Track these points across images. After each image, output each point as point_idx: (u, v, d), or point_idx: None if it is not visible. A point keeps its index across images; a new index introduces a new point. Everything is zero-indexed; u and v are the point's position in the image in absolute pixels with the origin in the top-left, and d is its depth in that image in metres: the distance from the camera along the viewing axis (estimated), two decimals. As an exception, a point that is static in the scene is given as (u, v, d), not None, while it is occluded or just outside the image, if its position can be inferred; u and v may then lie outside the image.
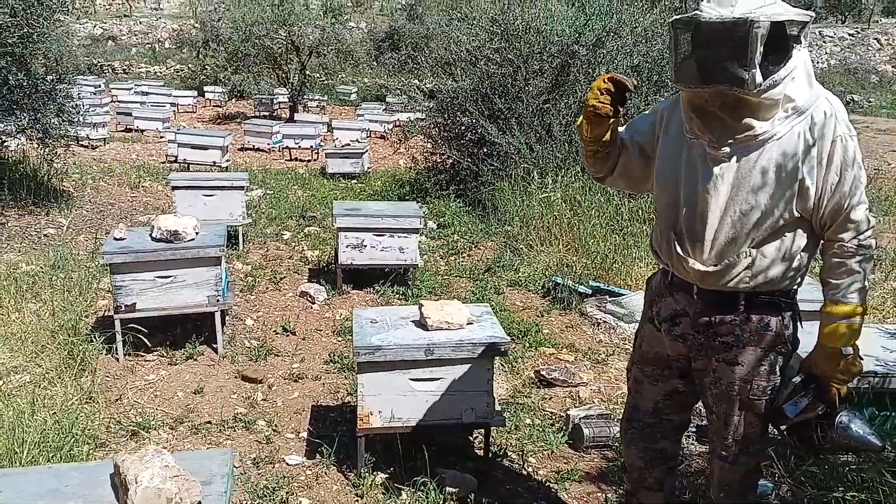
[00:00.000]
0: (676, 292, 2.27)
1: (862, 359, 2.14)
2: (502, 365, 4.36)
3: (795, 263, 2.12)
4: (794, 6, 2.05)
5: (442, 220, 7.92)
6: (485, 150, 8.39)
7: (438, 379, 3.21)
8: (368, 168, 11.47)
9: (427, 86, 10.49)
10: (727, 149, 2.04)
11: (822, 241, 2.14)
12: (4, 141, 8.43)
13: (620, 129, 2.35)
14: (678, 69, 2.06)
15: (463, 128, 8.97)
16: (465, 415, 3.25)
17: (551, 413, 3.89)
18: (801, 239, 2.10)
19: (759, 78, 1.92)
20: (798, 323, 2.22)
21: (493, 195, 7.80)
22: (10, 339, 4.22)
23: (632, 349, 2.58)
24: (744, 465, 2.30)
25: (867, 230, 2.05)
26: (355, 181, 10.74)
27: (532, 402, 3.99)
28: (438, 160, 9.72)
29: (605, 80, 2.14)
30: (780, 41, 1.96)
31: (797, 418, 2.16)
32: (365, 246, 5.70)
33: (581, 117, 2.25)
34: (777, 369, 2.20)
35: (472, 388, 3.24)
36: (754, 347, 2.15)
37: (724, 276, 2.11)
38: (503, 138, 7.92)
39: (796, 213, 2.05)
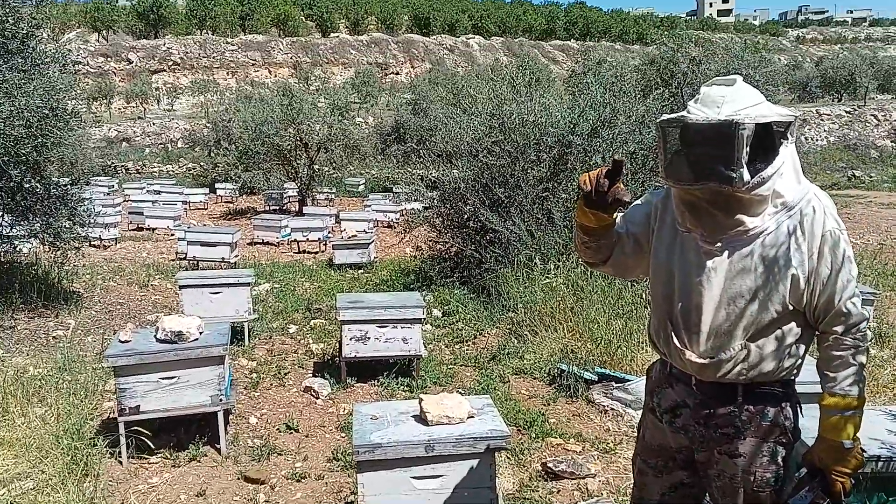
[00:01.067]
0: (676, 383, 2.27)
1: (864, 451, 2.14)
2: (508, 457, 4.30)
3: (791, 355, 2.13)
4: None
5: (447, 307, 7.95)
6: (487, 237, 8.52)
7: (440, 476, 3.17)
8: (375, 258, 11.61)
9: (431, 176, 10.72)
10: (719, 244, 2.09)
11: (816, 334, 2.15)
12: (16, 245, 8.62)
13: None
14: (668, 166, 2.11)
15: (465, 216, 9.13)
16: (469, 512, 3.19)
17: (559, 507, 3.81)
18: (796, 331, 2.12)
19: (746, 176, 1.97)
20: (798, 412, 2.21)
21: (496, 282, 7.86)
22: (14, 444, 4.21)
23: (636, 439, 2.55)
24: None
25: (861, 322, 2.07)
26: (362, 271, 10.86)
27: (539, 497, 3.91)
28: (442, 248, 9.85)
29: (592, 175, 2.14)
30: (767, 140, 2.01)
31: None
32: (369, 338, 5.72)
33: (578, 212, 2.25)
34: (780, 460, 2.17)
35: (474, 484, 3.19)
36: (754, 438, 2.14)
37: (720, 368, 2.12)
38: (504, 226, 8.05)
39: (790, 307, 2.07)
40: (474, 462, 3.18)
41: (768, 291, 2.05)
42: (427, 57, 52.59)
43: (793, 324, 2.10)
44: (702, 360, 2.14)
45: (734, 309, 2.08)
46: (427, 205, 10.16)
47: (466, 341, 6.90)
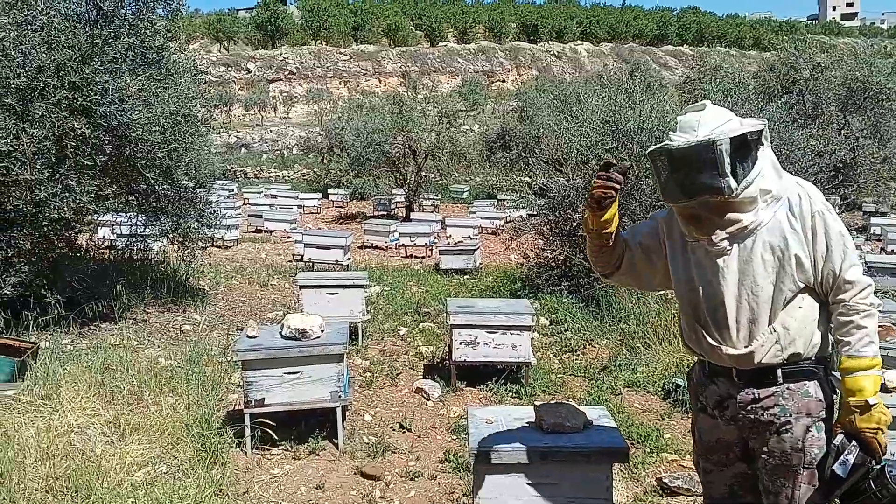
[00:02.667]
0: (717, 378, 2.43)
1: (889, 406, 2.28)
2: (622, 471, 4.23)
3: (818, 331, 2.33)
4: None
5: (554, 316, 7.91)
6: (598, 246, 8.40)
7: (555, 484, 3.16)
8: (480, 264, 11.69)
9: (538, 183, 10.71)
10: (725, 242, 2.32)
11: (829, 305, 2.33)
12: (149, 244, 9.22)
13: (623, 232, 2.59)
14: (664, 190, 2.35)
15: (574, 224, 9.04)
16: (584, 522, 3.17)
17: (674, 523, 3.72)
18: (815, 307, 2.32)
19: (733, 184, 2.22)
20: (834, 389, 2.36)
21: (607, 292, 7.74)
22: (149, 430, 4.51)
23: (693, 443, 2.70)
24: None
25: (865, 288, 2.26)
26: (467, 277, 10.95)
27: (654, 511, 3.84)
28: (550, 256, 9.79)
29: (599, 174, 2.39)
30: (744, 149, 2.24)
31: (851, 478, 2.20)
32: (478, 343, 5.77)
33: (586, 213, 2.48)
34: (823, 434, 2.32)
35: (590, 495, 3.16)
36: (799, 415, 2.30)
37: (756, 355, 2.31)
38: (616, 235, 7.91)
39: (800, 285, 2.29)
40: (590, 473, 3.15)
41: (778, 275, 2.28)
42: (534, 64, 52.46)
43: (809, 300, 2.31)
44: (738, 352, 2.33)
45: (752, 298, 2.30)
46: (534, 212, 10.14)
47: (575, 351, 6.84)
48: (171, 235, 8.91)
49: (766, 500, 2.41)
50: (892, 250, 11.94)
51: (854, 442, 2.22)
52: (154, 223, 8.77)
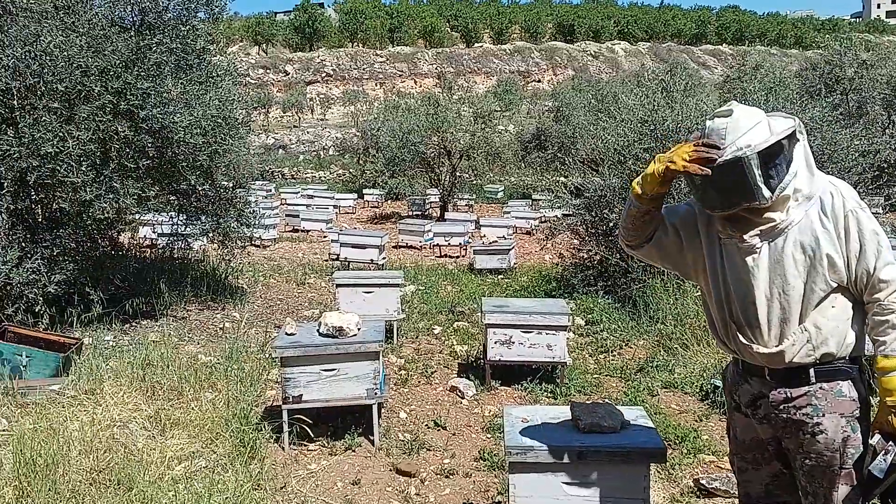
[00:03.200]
0: (750, 378, 2.42)
1: None
2: (658, 471, 4.19)
3: (851, 330, 2.29)
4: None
5: (590, 316, 7.86)
6: (634, 246, 8.32)
7: (591, 485, 3.15)
8: (514, 264, 11.67)
9: (573, 183, 10.65)
10: (756, 240, 2.30)
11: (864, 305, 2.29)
12: (189, 242, 9.39)
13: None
14: (701, 199, 2.35)
15: (611, 224, 8.97)
16: (620, 522, 3.14)
17: (712, 526, 3.67)
18: (848, 306, 2.29)
19: (766, 193, 2.21)
20: (871, 388, 2.34)
21: (644, 292, 7.67)
22: (189, 425, 4.59)
23: (728, 442, 2.70)
24: None
25: None
26: (502, 276, 10.94)
27: (691, 513, 3.79)
28: (585, 256, 9.73)
29: (696, 146, 2.26)
30: (778, 154, 2.21)
31: (888, 478, 2.18)
32: (513, 342, 5.76)
33: (643, 177, 2.38)
34: (860, 434, 2.30)
35: (627, 495, 3.14)
36: (832, 414, 2.27)
37: (788, 354, 2.29)
38: (653, 235, 7.83)
39: (832, 284, 2.25)
40: (627, 473, 3.13)
41: (809, 274, 2.25)
42: (570, 64, 52.15)
43: (842, 300, 2.28)
44: (769, 350, 2.32)
45: (783, 296, 2.28)
46: (570, 212, 10.08)
47: (611, 351, 6.79)
48: (210, 235, 9.06)
49: (805, 500, 2.40)
50: (939, 252, 11.59)
51: (892, 442, 2.19)
52: (194, 223, 8.92)
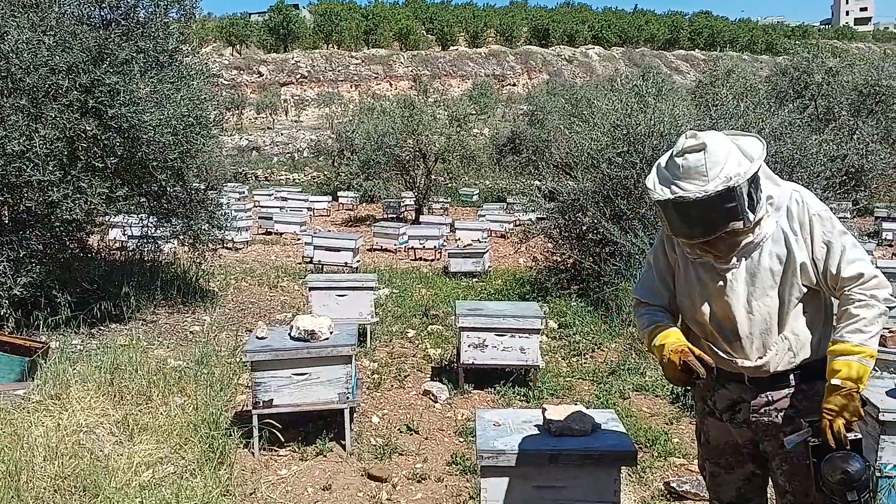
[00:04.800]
0: (728, 383, 2.42)
1: (865, 402, 2.23)
2: (629, 475, 4.21)
3: (825, 331, 2.34)
4: None
5: (563, 319, 7.88)
6: (607, 249, 8.38)
7: (563, 487, 3.14)
8: (489, 267, 11.68)
9: (548, 187, 10.69)
10: (734, 259, 2.30)
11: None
12: (159, 245, 9.26)
13: (659, 297, 2.53)
14: (677, 231, 2.28)
15: (584, 228, 9.03)
16: (591, 526, 3.15)
17: (683, 528, 3.69)
18: (821, 308, 2.34)
19: (751, 217, 2.21)
20: None
21: (616, 295, 7.72)
22: (157, 431, 4.52)
23: (698, 448, 2.70)
24: None
25: (870, 280, 2.21)
26: (476, 280, 10.95)
27: (661, 516, 3.81)
28: (559, 260, 9.78)
29: (679, 362, 2.32)
30: (754, 180, 2.21)
31: (794, 448, 2.25)
32: (486, 345, 5.76)
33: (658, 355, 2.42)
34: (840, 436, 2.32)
35: (598, 498, 3.14)
36: (811, 415, 2.27)
37: (770, 365, 2.32)
38: (626, 238, 7.90)
39: (804, 289, 2.28)
40: (598, 476, 3.14)
41: (785, 283, 2.28)
42: (545, 68, 52.44)
43: (817, 302, 2.32)
44: (752, 364, 2.34)
45: (762, 308, 2.30)
46: (544, 215, 10.12)
47: (583, 354, 6.82)
48: (181, 237, 8.96)
49: (783, 499, 2.41)
50: (905, 256, 11.83)
51: (808, 425, 2.24)
52: (165, 225, 8.81)
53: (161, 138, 7.31)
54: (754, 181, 2.20)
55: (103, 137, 6.88)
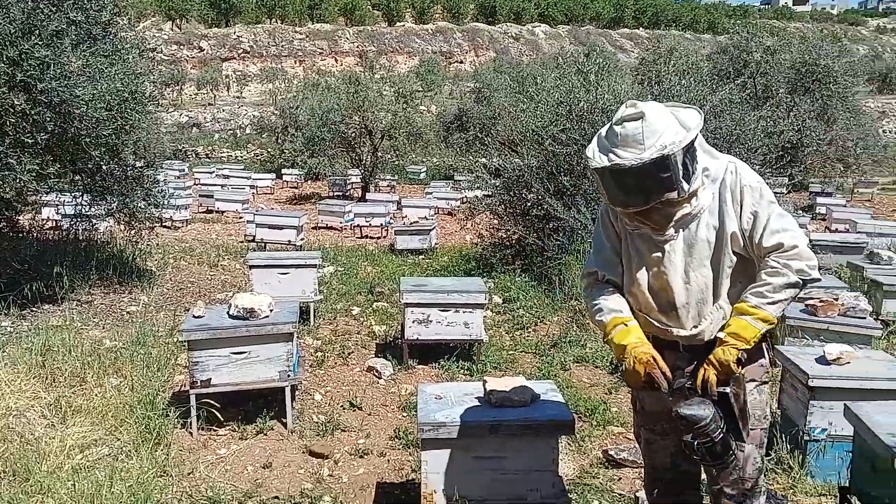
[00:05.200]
0: (663, 351, 2.43)
1: (741, 361, 2.29)
2: (569, 444, 4.28)
3: None
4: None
5: (507, 294, 7.94)
6: (550, 225, 8.45)
7: (503, 457, 3.18)
8: (436, 244, 11.67)
9: (493, 164, 10.71)
10: (671, 230, 2.35)
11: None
12: (94, 224, 8.96)
13: (606, 268, 2.55)
14: (613, 198, 2.31)
15: (528, 204, 9.09)
16: (531, 495, 3.20)
17: (620, 495, 3.78)
18: (752, 278, 2.36)
19: (686, 186, 2.24)
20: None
21: (559, 270, 7.81)
22: (91, 413, 4.40)
23: (634, 415, 2.75)
24: (753, 500, 2.46)
25: (788, 251, 2.28)
26: (423, 257, 10.93)
27: (600, 484, 3.89)
28: (504, 236, 9.83)
29: (644, 374, 2.36)
30: (693, 148, 2.25)
31: (675, 391, 2.35)
32: (431, 321, 5.76)
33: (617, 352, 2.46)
34: (766, 397, 2.48)
35: (537, 467, 3.19)
36: (745, 380, 2.36)
37: (706, 333, 2.39)
38: (569, 214, 7.97)
39: (734, 258, 2.35)
40: (538, 445, 3.19)
41: (719, 253, 2.34)
42: (492, 45, 52.35)
43: (751, 272, 2.36)
44: (687, 332, 2.40)
45: (699, 279, 2.36)
46: (489, 192, 10.15)
47: (527, 328, 6.89)
48: (117, 215, 8.69)
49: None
50: (836, 229, 12.27)
51: (689, 375, 2.36)
52: (100, 203, 8.53)
53: (94, 113, 7.05)
54: (690, 152, 2.23)
55: (32, 112, 6.60)
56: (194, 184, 18.89)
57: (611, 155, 2.21)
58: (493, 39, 53.27)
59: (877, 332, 4.93)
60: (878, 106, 32.15)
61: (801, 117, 15.61)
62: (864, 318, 4.93)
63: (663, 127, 2.20)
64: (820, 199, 16.36)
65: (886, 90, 38.27)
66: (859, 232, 10.59)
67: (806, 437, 3.82)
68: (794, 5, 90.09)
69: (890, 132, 30.54)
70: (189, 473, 3.97)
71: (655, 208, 2.27)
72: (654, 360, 2.35)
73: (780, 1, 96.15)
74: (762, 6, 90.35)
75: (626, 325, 2.42)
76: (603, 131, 2.30)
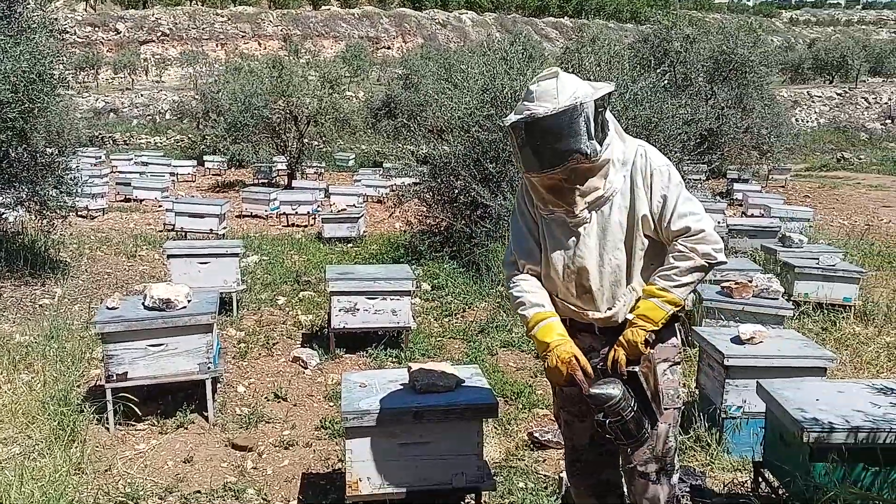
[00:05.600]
0: (579, 333, 2.50)
1: (649, 342, 2.36)
2: (495, 427, 4.32)
3: None
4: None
5: (436, 281, 7.96)
6: (478, 212, 8.50)
7: (427, 443, 3.19)
8: (364, 232, 11.58)
9: (422, 151, 10.68)
10: (585, 212, 2.37)
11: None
12: (2, 213, 8.52)
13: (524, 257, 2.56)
14: (528, 162, 2.32)
15: (456, 191, 9.11)
16: (456, 479, 3.22)
17: (545, 476, 3.84)
18: (663, 259, 2.41)
19: (597, 147, 2.26)
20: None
21: (486, 256, 7.86)
22: (1, 411, 4.20)
23: (553, 398, 2.77)
24: (667, 478, 2.52)
25: (695, 235, 2.33)
26: (351, 245, 10.83)
27: (525, 465, 3.94)
28: (433, 223, 9.83)
29: (566, 375, 2.38)
30: (600, 112, 2.28)
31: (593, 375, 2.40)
32: (358, 309, 5.72)
33: (539, 345, 2.48)
34: (678, 376, 2.53)
35: (461, 451, 3.21)
36: (657, 361, 2.42)
37: (619, 315, 2.43)
38: (495, 201, 8.03)
39: (645, 241, 2.39)
40: (462, 429, 3.20)
41: (631, 236, 2.38)
42: (419, 32, 52.13)
43: (658, 254, 2.41)
44: (601, 315, 2.44)
45: (613, 261, 2.39)
46: (418, 180, 10.12)
47: (455, 314, 6.92)
48: (27, 204, 8.28)
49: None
50: (752, 214, 12.75)
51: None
52: (8, 191, 8.11)
53: (-1, 95, 6.69)
54: (601, 114, 2.27)
55: (-71, 94, 6.21)
56: (111, 171, 18.15)
57: (525, 111, 2.27)
58: (421, 25, 53.06)
59: (788, 312, 5.15)
60: (791, 95, 33.52)
61: (719, 105, 16.13)
62: (777, 298, 5.15)
63: (576, 84, 2.28)
64: (737, 186, 16.96)
65: (799, 80, 39.94)
66: (773, 217, 11.04)
67: (723, 415, 3.96)
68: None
69: (802, 121, 31.95)
70: (106, 470, 3.83)
71: (569, 186, 2.31)
72: (577, 359, 2.38)
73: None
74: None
75: (547, 320, 2.44)
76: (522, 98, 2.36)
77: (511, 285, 2.58)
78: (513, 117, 2.30)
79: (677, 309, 2.39)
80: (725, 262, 2.47)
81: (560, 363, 2.37)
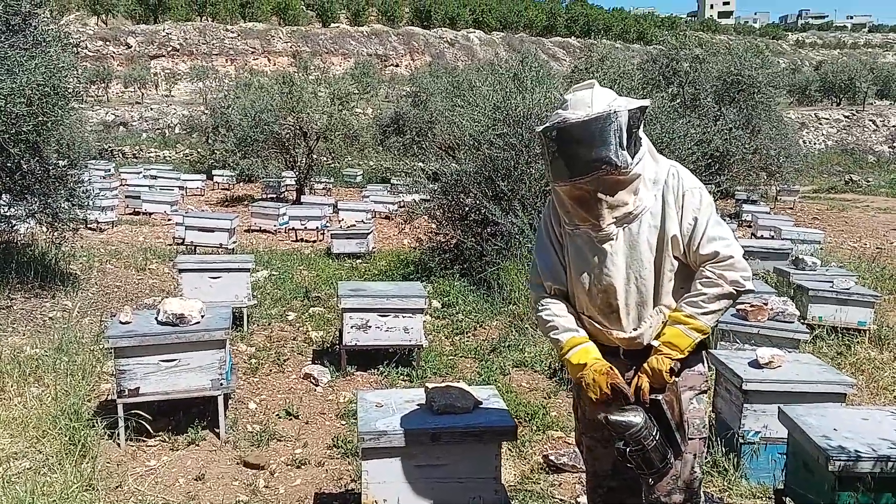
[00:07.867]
0: (604, 356, 2.41)
1: (675, 371, 2.31)
2: (510, 449, 4.27)
3: None
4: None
5: (446, 299, 7.92)
6: (488, 230, 8.48)
7: (445, 465, 3.14)
8: (373, 248, 11.57)
9: (431, 168, 10.70)
10: (612, 227, 2.32)
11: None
12: (14, 225, 8.52)
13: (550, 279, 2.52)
14: (556, 170, 2.30)
15: (466, 208, 9.10)
16: (473, 502, 3.16)
17: (561, 500, 3.79)
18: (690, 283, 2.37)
19: (628, 158, 2.22)
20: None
21: (497, 274, 7.83)
22: (11, 424, 4.17)
23: (575, 423, 2.72)
24: None
25: (724, 261, 2.29)
26: (360, 261, 10.82)
27: (541, 489, 3.89)
28: (443, 240, 9.82)
29: (606, 386, 2.31)
30: (634, 125, 2.26)
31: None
32: (370, 326, 5.68)
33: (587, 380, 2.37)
34: (703, 405, 2.47)
35: (479, 474, 3.16)
36: (683, 389, 2.38)
37: (644, 337, 2.38)
38: (507, 219, 8.01)
39: (675, 262, 2.35)
40: (480, 452, 3.15)
41: (660, 256, 2.34)
42: (427, 50, 52.44)
43: (690, 276, 2.36)
44: (626, 335, 2.39)
45: (640, 281, 2.35)
46: (427, 196, 10.12)
47: (466, 333, 6.88)
48: (38, 216, 8.28)
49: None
50: (762, 235, 12.72)
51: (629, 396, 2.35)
52: (20, 203, 8.12)
53: (13, 108, 6.72)
54: (634, 126, 2.25)
55: (-56, 106, 6.24)
56: (121, 184, 18.22)
57: (557, 119, 2.27)
58: (429, 44, 53.38)
59: (805, 336, 5.10)
60: (798, 117, 33.58)
61: (727, 126, 16.13)
62: (793, 322, 5.10)
63: (612, 96, 2.28)
64: (745, 207, 16.93)
65: (806, 102, 40.00)
66: (784, 238, 10.99)
67: (740, 440, 3.91)
68: (718, 18, 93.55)
69: (809, 143, 31.96)
70: (117, 487, 3.79)
71: (594, 198, 2.27)
72: (615, 371, 2.33)
73: (705, 13, 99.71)
74: (689, 18, 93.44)
75: (583, 345, 2.40)
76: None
77: (540, 308, 2.53)
78: (547, 125, 2.29)
79: (704, 336, 2.35)
80: (753, 291, 2.43)
81: (598, 375, 2.31)
